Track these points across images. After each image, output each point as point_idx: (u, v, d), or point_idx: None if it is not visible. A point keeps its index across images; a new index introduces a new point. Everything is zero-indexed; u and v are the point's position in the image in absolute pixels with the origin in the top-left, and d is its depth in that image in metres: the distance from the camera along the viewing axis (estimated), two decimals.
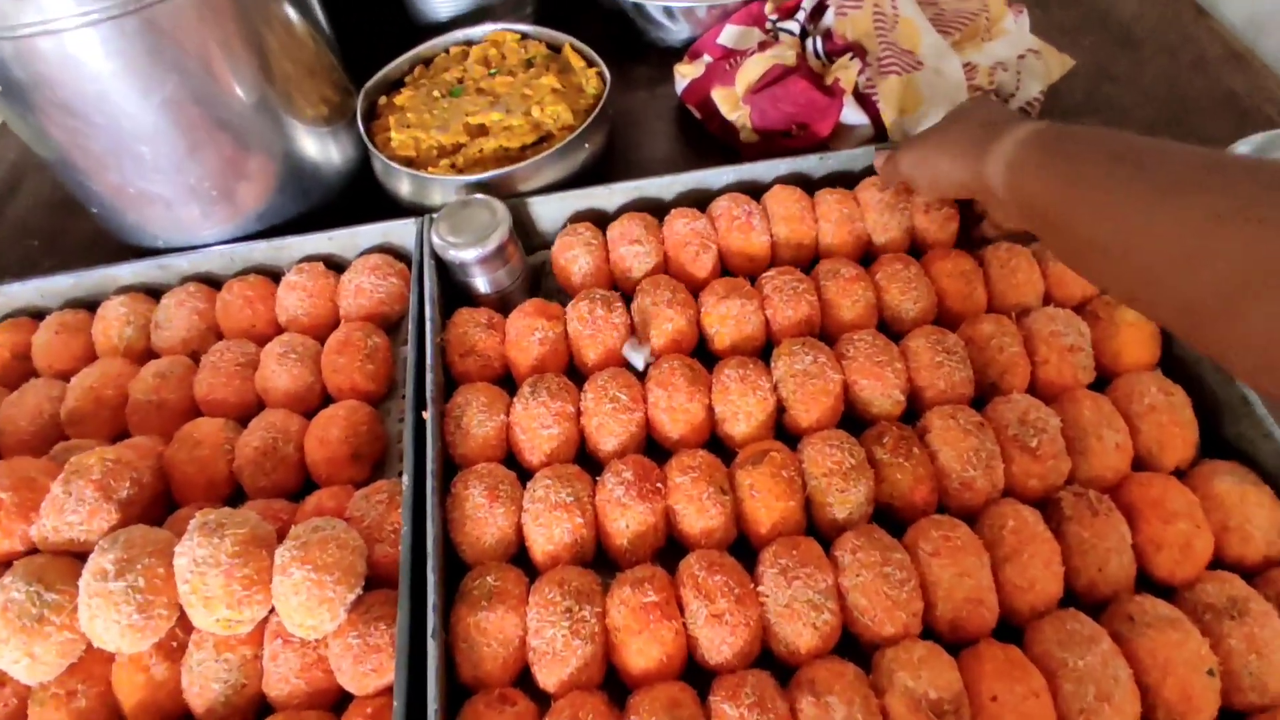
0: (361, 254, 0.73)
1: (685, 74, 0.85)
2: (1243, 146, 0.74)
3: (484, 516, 0.55)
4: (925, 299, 0.65)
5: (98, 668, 0.52)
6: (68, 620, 0.51)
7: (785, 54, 0.77)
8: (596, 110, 0.75)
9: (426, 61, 0.84)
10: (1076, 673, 0.47)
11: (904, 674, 0.47)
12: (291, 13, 0.70)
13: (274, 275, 0.73)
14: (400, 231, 0.72)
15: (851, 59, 0.75)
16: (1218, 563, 0.53)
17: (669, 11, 0.87)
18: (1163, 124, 0.85)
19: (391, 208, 0.77)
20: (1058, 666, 0.48)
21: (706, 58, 0.85)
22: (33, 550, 0.54)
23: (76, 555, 0.53)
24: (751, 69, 0.77)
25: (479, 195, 0.68)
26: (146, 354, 0.70)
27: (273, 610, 0.52)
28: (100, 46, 0.59)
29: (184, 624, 0.52)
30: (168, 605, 0.51)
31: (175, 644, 0.53)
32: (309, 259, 0.73)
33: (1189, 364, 0.61)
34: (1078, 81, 0.88)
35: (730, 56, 0.83)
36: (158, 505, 0.60)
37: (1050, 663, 0.48)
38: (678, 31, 0.91)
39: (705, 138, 0.85)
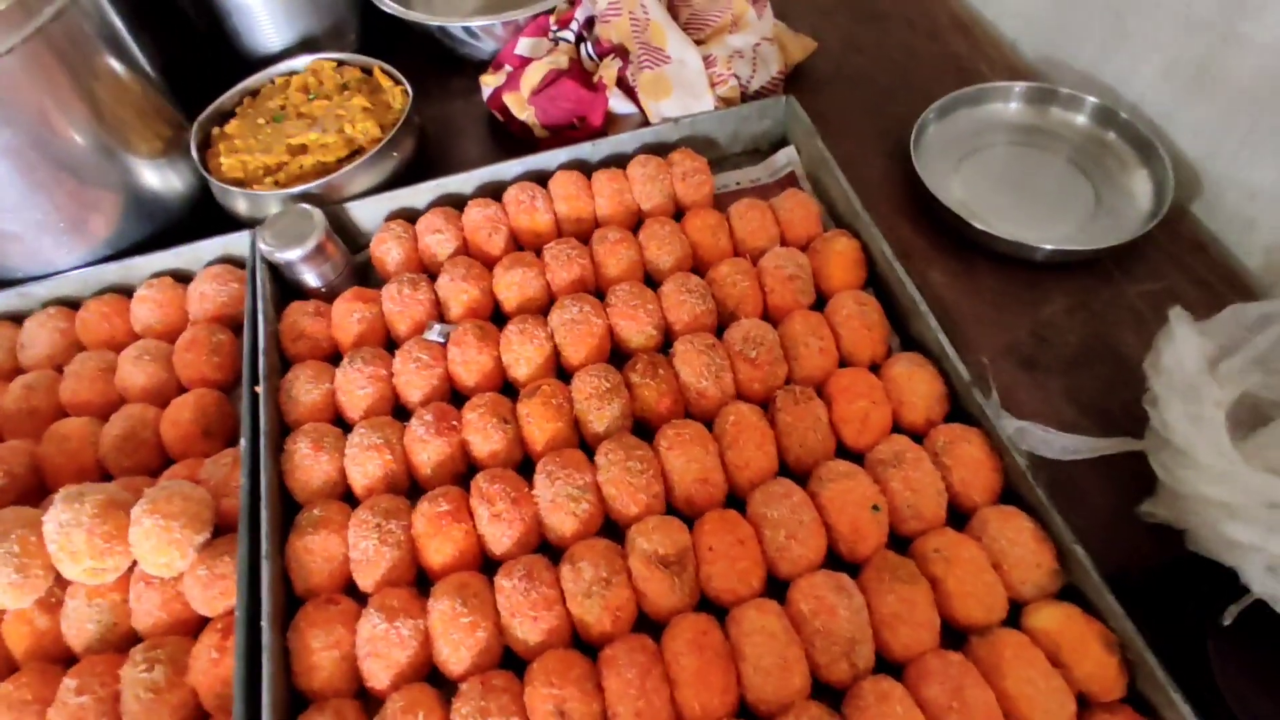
0: (206, 266, 0.83)
1: (489, 83, 0.97)
2: (931, 114, 0.90)
3: (310, 464, 0.67)
4: (679, 251, 0.79)
5: None
6: None
7: (559, 59, 0.90)
8: (401, 121, 0.87)
9: (254, 93, 0.95)
10: (773, 521, 0.61)
11: (641, 539, 0.60)
12: (115, 63, 0.80)
13: (128, 292, 0.83)
14: (237, 243, 0.83)
15: (613, 59, 0.88)
16: (897, 430, 0.68)
17: (469, 30, 1.00)
18: (898, 87, 1.00)
19: (233, 223, 0.87)
20: (761, 519, 0.61)
21: (508, 67, 0.98)
22: None
23: None
24: (532, 74, 0.90)
25: (298, 205, 0.79)
26: (14, 373, 0.79)
27: (136, 562, 0.62)
28: None
29: (61, 583, 0.63)
30: (43, 567, 0.61)
31: (54, 599, 0.63)
32: (158, 275, 0.83)
33: (886, 281, 0.76)
34: (829, 56, 1.03)
35: (527, 64, 0.95)
36: (31, 496, 0.70)
37: (756, 518, 0.62)
38: (483, 47, 1.03)
39: (510, 138, 0.98)
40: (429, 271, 0.81)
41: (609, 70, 0.88)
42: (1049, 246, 0.78)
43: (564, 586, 0.59)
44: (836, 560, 0.62)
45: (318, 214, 0.78)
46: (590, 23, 0.94)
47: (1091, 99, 0.88)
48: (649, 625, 0.60)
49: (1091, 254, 0.79)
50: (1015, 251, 0.80)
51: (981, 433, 0.64)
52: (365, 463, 0.66)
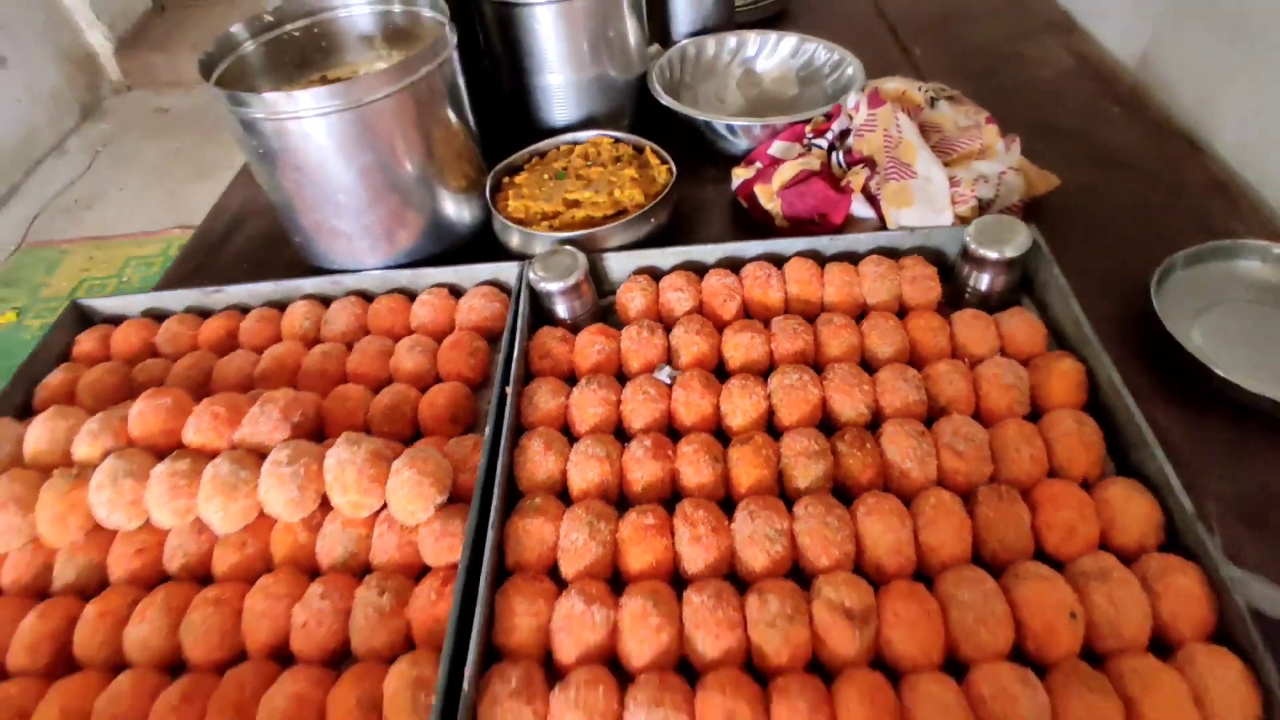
0: (477, 285, 0.98)
1: (739, 175, 1.09)
2: (1179, 259, 0.90)
3: (539, 461, 0.76)
4: (898, 344, 0.83)
5: (263, 530, 0.74)
6: (252, 492, 0.73)
7: (812, 162, 1.00)
8: (663, 194, 0.99)
9: (543, 155, 1.12)
10: (962, 603, 0.61)
11: (829, 589, 0.63)
12: (452, 115, 0.98)
13: (411, 295, 0.98)
14: (506, 271, 0.97)
15: (862, 168, 0.97)
16: (1105, 549, 0.67)
17: (731, 129, 1.13)
18: (1138, 236, 1.01)
19: (503, 253, 1.02)
20: (949, 600, 0.62)
21: (758, 164, 1.09)
22: (233, 448, 0.78)
23: (261, 454, 0.77)
24: (785, 171, 1.00)
25: (566, 247, 0.92)
26: (316, 340, 0.95)
27: (384, 506, 0.73)
28: (325, 131, 0.89)
29: (324, 510, 0.74)
30: (316, 493, 0.73)
31: (315, 521, 0.74)
32: (438, 285, 0.98)
33: (1108, 406, 0.76)
34: (1067, 196, 1.06)
35: (777, 164, 1.06)
36: (315, 436, 0.83)
37: (945, 597, 0.63)
38: (738, 144, 1.16)
39: (751, 223, 1.08)
40: (665, 323, 0.91)
41: (857, 177, 0.96)
42: None
43: (748, 613, 0.63)
44: (1021, 660, 0.61)
45: (581, 256, 0.90)
46: (844, 135, 1.03)
47: None
48: (822, 676, 0.61)
49: None
50: (1255, 403, 0.78)
51: (1199, 569, 0.62)
52: (586, 469, 0.74)
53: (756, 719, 0.56)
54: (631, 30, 1.20)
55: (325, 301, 0.99)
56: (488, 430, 0.77)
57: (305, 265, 1.07)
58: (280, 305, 1.00)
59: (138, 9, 3.51)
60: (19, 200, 2.88)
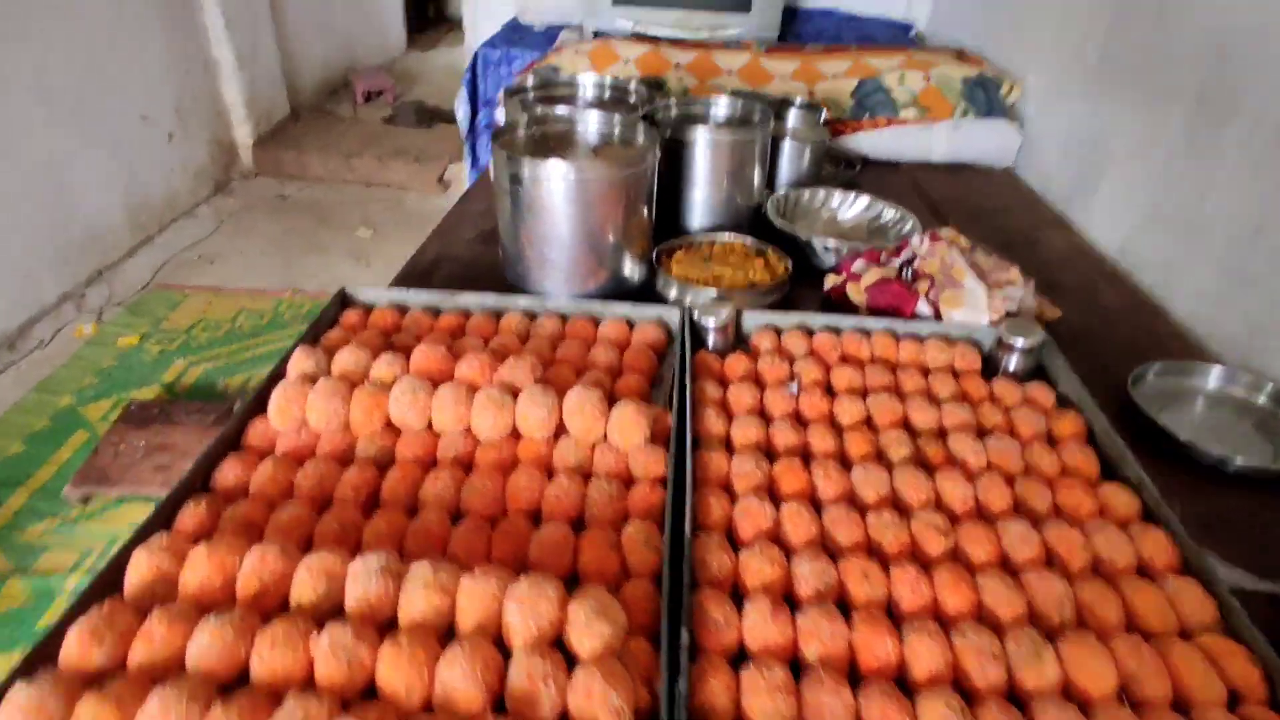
0: (645, 320, 1.34)
1: (831, 280, 1.49)
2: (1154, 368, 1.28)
3: (713, 421, 1.09)
4: (954, 390, 1.19)
5: (513, 441, 1.06)
6: (510, 412, 1.05)
7: (889, 273, 1.40)
8: (780, 280, 1.39)
9: (692, 244, 1.53)
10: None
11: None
12: (643, 203, 1.40)
13: (595, 319, 1.34)
14: (668, 312, 1.33)
15: (925, 280, 1.37)
16: None
17: (825, 247, 1.54)
18: (1116, 355, 1.39)
19: (660, 300, 1.39)
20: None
21: (844, 274, 1.49)
22: (494, 385, 1.11)
23: (514, 390, 1.09)
24: (870, 276, 1.40)
25: (723, 299, 1.30)
26: (527, 338, 1.30)
27: (605, 436, 1.05)
28: (563, 191, 1.29)
29: (560, 432, 1.06)
30: (557, 418, 1.06)
31: (554, 438, 1.06)
32: (617, 316, 1.34)
33: (1102, 445, 1.10)
34: (1064, 329, 1.45)
35: (858, 277, 1.46)
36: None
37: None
38: (827, 259, 1.57)
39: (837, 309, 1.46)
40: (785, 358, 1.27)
41: (922, 285, 1.36)
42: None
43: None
44: None
45: (731, 306, 1.28)
46: (910, 261, 1.45)
47: None
48: None
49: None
50: (1201, 457, 1.12)
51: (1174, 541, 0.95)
52: (747, 426, 1.07)
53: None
54: (756, 173, 1.65)
55: (530, 315, 1.35)
56: (674, 400, 1.11)
57: (510, 286, 1.44)
58: (496, 313, 1.35)
59: (277, 115, 4.11)
60: (153, 249, 3.29)
